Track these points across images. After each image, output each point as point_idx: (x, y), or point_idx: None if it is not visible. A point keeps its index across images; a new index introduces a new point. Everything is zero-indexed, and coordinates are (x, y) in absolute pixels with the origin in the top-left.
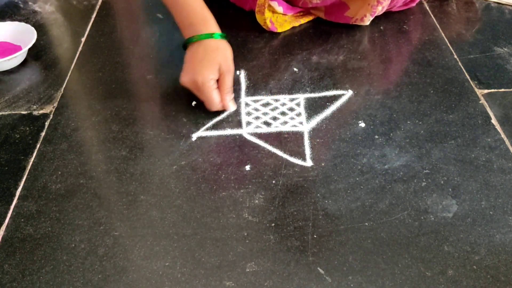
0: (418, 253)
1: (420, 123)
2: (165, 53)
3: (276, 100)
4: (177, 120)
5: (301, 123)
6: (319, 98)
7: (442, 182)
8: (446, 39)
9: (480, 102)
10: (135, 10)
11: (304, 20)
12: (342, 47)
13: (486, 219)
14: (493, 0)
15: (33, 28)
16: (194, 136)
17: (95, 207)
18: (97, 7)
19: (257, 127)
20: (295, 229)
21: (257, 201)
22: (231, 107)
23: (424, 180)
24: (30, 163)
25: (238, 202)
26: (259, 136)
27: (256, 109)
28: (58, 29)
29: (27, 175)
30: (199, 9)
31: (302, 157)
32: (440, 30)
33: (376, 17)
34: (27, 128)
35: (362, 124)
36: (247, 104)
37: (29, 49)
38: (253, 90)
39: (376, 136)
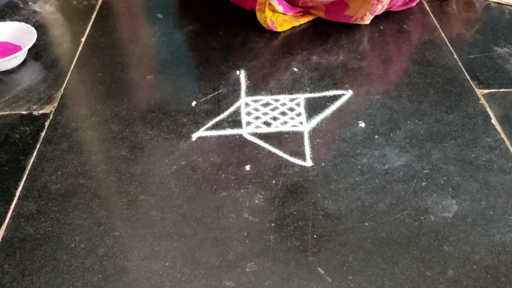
0: (418, 253)
1: (420, 123)
2: (165, 53)
3: (276, 100)
4: (177, 120)
5: (301, 123)
6: (319, 98)
7: (442, 182)
8: (446, 39)
9: (480, 102)
10: (135, 10)
11: (304, 20)
12: (342, 47)
13: (486, 219)
14: (493, 0)
15: (33, 28)
16: (194, 136)
17: (95, 207)
18: (97, 7)
19: (257, 127)
20: (295, 229)
21: (257, 201)
22: None
23: (424, 180)
24: (30, 163)
25: (238, 202)
26: (259, 136)
27: (256, 109)
28: (58, 29)
29: (27, 175)
30: None
31: (302, 157)
32: (440, 30)
33: (376, 17)
34: (27, 128)
35: (362, 124)
36: (247, 104)
37: (29, 49)
38: (253, 90)
39: (376, 136)
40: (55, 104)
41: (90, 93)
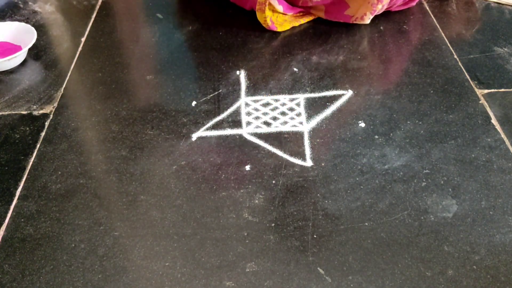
0: (418, 253)
1: (420, 123)
2: (165, 53)
3: (276, 100)
4: (177, 120)
5: (301, 123)
6: (319, 98)
7: (442, 182)
8: (446, 39)
9: (480, 102)
10: (135, 10)
11: (304, 20)
12: (342, 47)
13: (486, 219)
14: (493, 0)
15: (33, 28)
16: (194, 136)
17: (95, 207)
18: (97, 7)
19: (257, 127)
20: (295, 229)
21: (257, 201)
22: None
23: (424, 180)
24: (30, 163)
25: (238, 202)
26: (259, 136)
27: (256, 109)
28: (58, 29)
29: (27, 175)
30: None
31: (302, 157)
32: (440, 30)
33: (376, 17)
34: (27, 128)
35: (362, 124)
36: (247, 104)
37: (29, 49)
38: (253, 90)
39: (376, 136)
40: (55, 104)
41: (90, 93)
